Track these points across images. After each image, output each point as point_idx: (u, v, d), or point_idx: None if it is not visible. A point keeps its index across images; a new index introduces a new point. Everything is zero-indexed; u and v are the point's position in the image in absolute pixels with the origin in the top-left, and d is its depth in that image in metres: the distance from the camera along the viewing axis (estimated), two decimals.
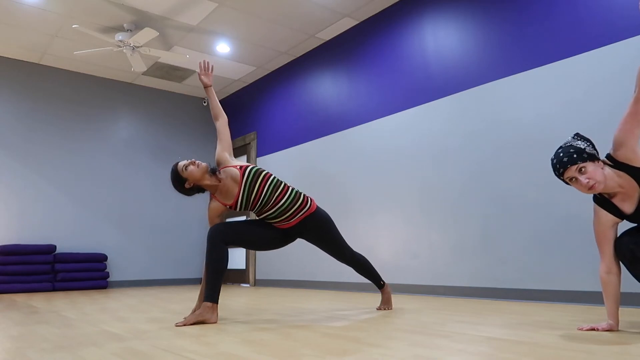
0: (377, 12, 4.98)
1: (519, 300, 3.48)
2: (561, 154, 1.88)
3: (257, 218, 2.78)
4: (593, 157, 1.85)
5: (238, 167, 2.66)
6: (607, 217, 1.94)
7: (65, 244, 6.08)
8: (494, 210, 3.76)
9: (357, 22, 5.18)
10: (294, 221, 2.70)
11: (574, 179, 1.86)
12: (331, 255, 2.90)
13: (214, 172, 2.63)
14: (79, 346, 1.85)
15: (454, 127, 4.12)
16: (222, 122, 2.86)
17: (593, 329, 1.98)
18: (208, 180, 2.61)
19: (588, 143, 1.90)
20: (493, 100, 3.85)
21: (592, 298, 3.12)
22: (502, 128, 3.77)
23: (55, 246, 5.78)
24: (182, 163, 2.61)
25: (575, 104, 3.34)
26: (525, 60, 3.67)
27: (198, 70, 3.03)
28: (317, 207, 2.78)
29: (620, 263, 1.97)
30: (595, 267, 3.14)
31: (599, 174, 1.83)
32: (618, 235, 1.96)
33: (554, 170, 1.91)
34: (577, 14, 3.39)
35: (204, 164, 2.60)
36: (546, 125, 3.48)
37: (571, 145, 1.89)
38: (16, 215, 5.82)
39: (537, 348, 1.65)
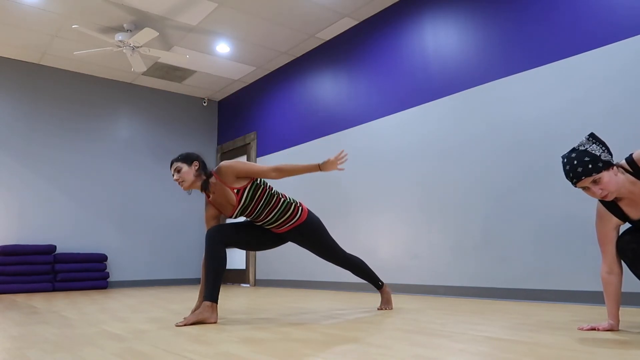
0: (377, 12, 4.98)
1: (519, 300, 3.48)
2: (575, 162, 1.79)
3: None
4: (608, 165, 1.78)
5: (235, 191, 2.59)
6: (611, 219, 1.92)
7: (65, 244, 6.08)
8: (494, 210, 3.75)
9: (357, 22, 5.18)
10: (283, 229, 2.76)
11: (586, 188, 1.81)
12: (324, 259, 2.95)
13: (206, 186, 2.61)
14: (79, 346, 1.85)
15: (453, 126, 4.12)
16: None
17: (593, 329, 1.98)
18: (201, 179, 2.61)
19: (603, 147, 1.81)
20: (493, 100, 3.85)
21: (592, 298, 3.12)
22: (502, 128, 3.77)
23: (55, 246, 5.78)
24: (174, 177, 2.59)
25: (575, 104, 3.34)
26: (525, 60, 3.67)
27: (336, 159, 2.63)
28: (307, 217, 2.77)
29: (622, 263, 1.97)
30: (595, 266, 3.13)
31: (612, 184, 1.77)
32: (620, 234, 1.95)
33: (566, 176, 1.83)
34: (577, 13, 3.39)
35: (185, 183, 2.55)
36: (546, 124, 3.48)
37: (586, 151, 1.80)
38: (16, 215, 5.82)
39: (537, 348, 1.65)
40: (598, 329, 1.96)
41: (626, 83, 3.10)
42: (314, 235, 2.81)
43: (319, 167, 2.58)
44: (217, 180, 2.60)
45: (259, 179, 2.62)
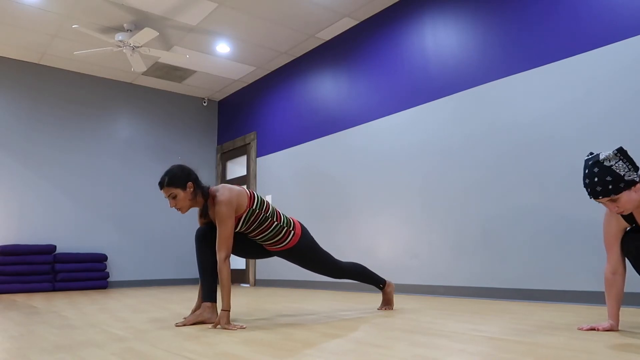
0: (377, 12, 4.98)
1: (519, 300, 3.48)
2: (596, 180, 1.74)
3: None
4: (630, 185, 1.73)
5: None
6: (620, 221, 1.92)
7: (65, 244, 6.08)
8: (494, 210, 3.75)
9: (357, 22, 5.18)
10: (272, 249, 2.71)
11: (603, 203, 1.80)
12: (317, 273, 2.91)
13: (206, 212, 2.60)
14: (79, 346, 1.85)
15: (454, 127, 4.12)
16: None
17: (593, 329, 1.98)
18: (198, 204, 2.55)
19: (630, 166, 1.74)
20: (493, 100, 3.85)
21: (592, 298, 3.12)
22: (502, 128, 3.77)
23: (55, 246, 5.78)
24: (170, 204, 2.51)
25: (575, 104, 3.34)
26: (525, 60, 3.67)
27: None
28: (297, 243, 2.69)
29: (626, 264, 1.97)
30: (594, 266, 3.13)
31: (630, 203, 1.74)
32: (625, 232, 1.95)
33: (584, 187, 1.78)
34: (577, 14, 3.39)
35: (183, 210, 2.47)
36: (546, 125, 3.48)
37: (610, 168, 1.73)
38: (16, 215, 5.82)
39: (537, 348, 1.65)
40: (598, 329, 1.96)
41: (626, 83, 3.10)
42: (302, 258, 2.77)
43: (224, 308, 2.29)
44: (212, 202, 2.50)
45: (254, 205, 2.53)
